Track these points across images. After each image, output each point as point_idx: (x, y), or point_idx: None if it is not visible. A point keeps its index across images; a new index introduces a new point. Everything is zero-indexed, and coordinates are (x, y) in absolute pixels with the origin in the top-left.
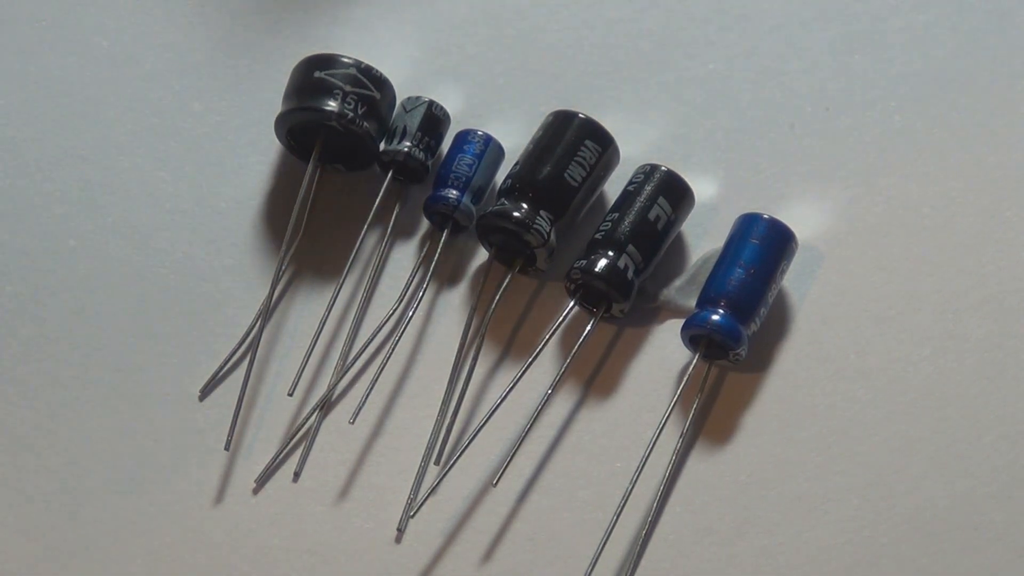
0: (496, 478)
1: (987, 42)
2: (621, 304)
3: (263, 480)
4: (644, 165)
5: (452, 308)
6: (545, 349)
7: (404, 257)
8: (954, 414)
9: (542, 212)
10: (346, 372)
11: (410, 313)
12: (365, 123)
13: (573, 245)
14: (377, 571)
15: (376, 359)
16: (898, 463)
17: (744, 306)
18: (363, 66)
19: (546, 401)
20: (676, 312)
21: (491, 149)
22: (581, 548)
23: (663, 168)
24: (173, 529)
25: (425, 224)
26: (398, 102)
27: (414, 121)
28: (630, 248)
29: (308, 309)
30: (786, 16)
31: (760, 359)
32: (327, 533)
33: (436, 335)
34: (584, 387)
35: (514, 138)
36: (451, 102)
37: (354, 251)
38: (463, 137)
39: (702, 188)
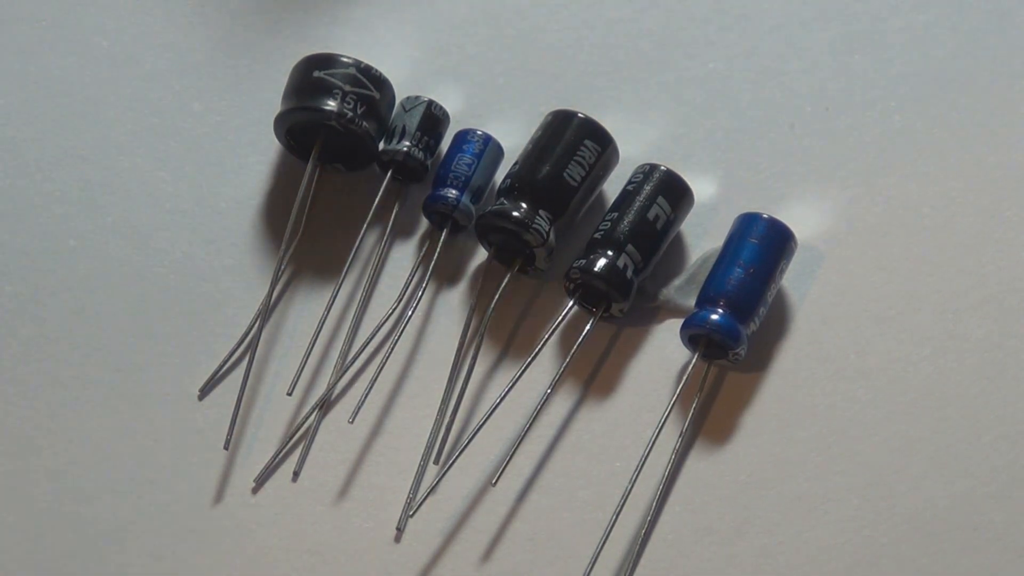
0: (496, 478)
1: (987, 42)
2: (620, 304)
3: (262, 480)
4: (643, 165)
5: (451, 308)
6: (544, 349)
7: (403, 257)
8: (954, 414)
9: (541, 212)
10: (345, 372)
11: (409, 313)
12: (364, 123)
13: (572, 245)
14: (377, 571)
15: (375, 359)
16: (898, 463)
17: (743, 306)
18: (363, 66)
19: (545, 401)
20: (675, 312)
21: (490, 149)
22: (581, 548)
23: (662, 168)
24: (173, 529)
25: (424, 224)
26: (398, 102)
27: (413, 121)
28: (629, 248)
29: (307, 309)
30: (786, 16)
31: (760, 359)
32: (327, 533)
33: (435, 335)
34: (583, 387)
35: (514, 138)
36: (451, 102)
37: (353, 251)
38: (462, 137)
39: (702, 188)
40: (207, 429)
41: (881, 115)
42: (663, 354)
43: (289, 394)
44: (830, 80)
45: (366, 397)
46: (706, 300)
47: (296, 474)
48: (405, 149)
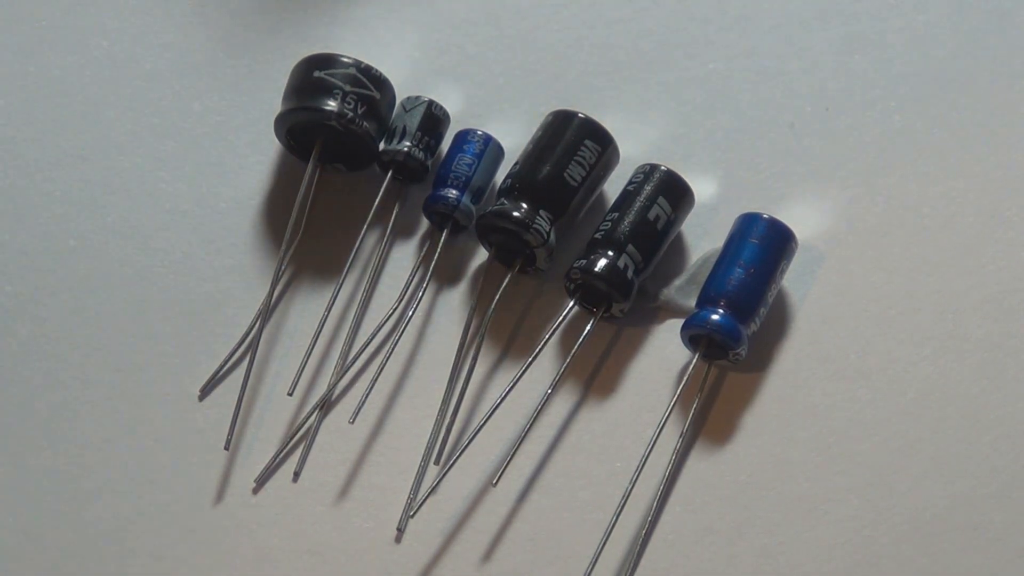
0: (496, 478)
1: (987, 42)
2: (621, 304)
3: (263, 480)
4: (644, 165)
5: (452, 308)
6: (545, 349)
7: (404, 257)
8: (954, 414)
9: (542, 212)
10: (346, 372)
11: (410, 313)
12: (365, 123)
13: (573, 245)
14: (377, 571)
15: (376, 359)
16: (898, 463)
17: (744, 306)
18: (363, 66)
19: (546, 401)
20: (676, 312)
21: (491, 149)
22: (581, 548)
23: (663, 168)
24: (173, 529)
25: (425, 224)
26: (398, 102)
27: (414, 121)
28: (630, 248)
29: (308, 309)
30: (786, 16)
31: (760, 359)
32: (327, 533)
33: (436, 335)
34: (584, 387)
35: (514, 138)
36: (451, 102)
37: (354, 251)
38: (463, 137)
39: (702, 188)
40: (207, 429)
41: (881, 115)
42: (664, 354)
43: (290, 394)
44: (830, 80)
45: (367, 397)
46: (706, 300)
47: (296, 474)
48: (405, 149)
